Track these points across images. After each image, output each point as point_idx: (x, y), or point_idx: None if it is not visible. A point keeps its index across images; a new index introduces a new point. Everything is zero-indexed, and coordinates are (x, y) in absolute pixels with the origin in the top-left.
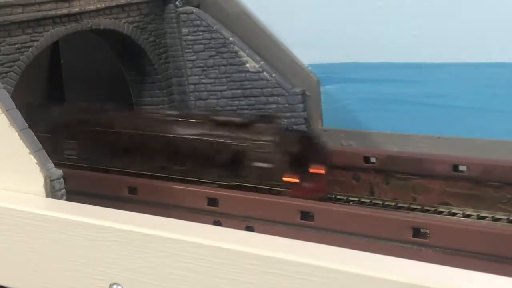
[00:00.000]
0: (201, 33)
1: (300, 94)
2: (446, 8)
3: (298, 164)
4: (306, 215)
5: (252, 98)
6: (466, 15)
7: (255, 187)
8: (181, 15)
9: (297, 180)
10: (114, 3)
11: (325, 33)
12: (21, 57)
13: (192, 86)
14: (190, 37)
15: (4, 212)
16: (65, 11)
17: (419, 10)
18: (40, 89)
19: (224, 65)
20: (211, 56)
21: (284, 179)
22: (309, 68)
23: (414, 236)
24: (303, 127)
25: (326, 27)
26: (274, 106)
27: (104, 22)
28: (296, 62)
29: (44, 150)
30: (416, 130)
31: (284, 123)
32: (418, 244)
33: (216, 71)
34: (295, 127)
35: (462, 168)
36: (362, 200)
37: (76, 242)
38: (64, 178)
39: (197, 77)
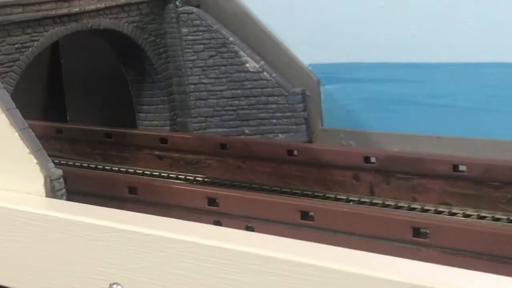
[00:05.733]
0: (201, 33)
1: (300, 94)
2: (445, 8)
3: None
4: (306, 215)
5: (252, 98)
6: (466, 15)
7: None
8: (181, 15)
9: None
10: (114, 3)
11: (325, 33)
12: (21, 57)
13: (192, 86)
14: (190, 37)
15: (4, 212)
16: (65, 11)
17: (419, 10)
18: (40, 89)
19: (224, 65)
20: (211, 56)
21: None
22: (309, 68)
23: (414, 236)
24: (303, 127)
25: (326, 27)
26: (274, 106)
27: (104, 22)
28: (296, 62)
29: (44, 150)
30: (416, 130)
31: (284, 123)
32: (418, 244)
33: (216, 71)
34: (295, 127)
35: (462, 168)
36: (362, 200)
37: (76, 242)
38: (64, 178)
39: (197, 77)
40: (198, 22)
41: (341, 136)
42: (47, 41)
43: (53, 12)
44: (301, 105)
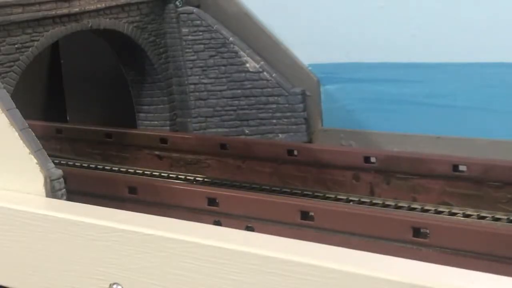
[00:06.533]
0: (201, 33)
1: (300, 94)
2: (446, 8)
3: None
4: (306, 215)
5: (252, 98)
6: (466, 15)
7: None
8: (181, 15)
9: None
10: (114, 3)
11: (325, 33)
12: (21, 57)
13: (192, 86)
14: (190, 37)
15: (4, 212)
16: (65, 11)
17: (419, 10)
18: (40, 89)
19: (224, 65)
20: (211, 56)
21: None
22: (309, 68)
23: (414, 236)
24: (303, 127)
25: (326, 27)
26: (274, 106)
27: (104, 22)
28: (296, 62)
29: (44, 150)
30: (416, 130)
31: (284, 123)
32: (418, 244)
33: (216, 71)
34: (295, 127)
35: (462, 168)
36: (362, 200)
37: (76, 242)
38: (64, 178)
39: (197, 77)
40: (198, 22)
41: (341, 136)
42: (47, 41)
43: (53, 12)
44: (301, 105)
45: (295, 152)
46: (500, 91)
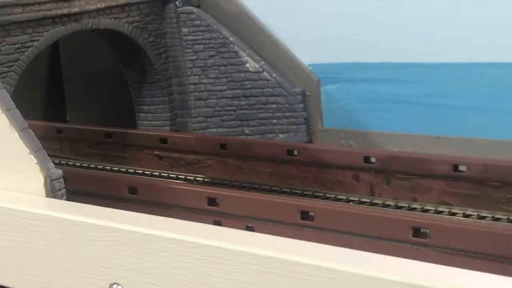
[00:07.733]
0: (201, 33)
1: (300, 94)
2: (446, 8)
3: None
4: (306, 215)
5: (252, 98)
6: (466, 15)
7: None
8: (181, 15)
9: None
10: (114, 3)
11: (325, 33)
12: (21, 57)
13: (192, 86)
14: (190, 37)
15: (4, 212)
16: (65, 11)
17: (419, 10)
18: (40, 89)
19: (224, 65)
20: (211, 56)
21: None
22: (309, 68)
23: (414, 236)
24: (303, 127)
25: (326, 27)
26: (274, 106)
27: (104, 22)
28: (296, 62)
29: (44, 150)
30: (416, 130)
31: (284, 123)
32: (418, 244)
33: (216, 71)
34: (295, 127)
35: (462, 168)
36: (362, 200)
37: (76, 242)
38: (64, 178)
39: (197, 77)
40: (198, 22)
41: (341, 136)
42: (47, 41)
43: (53, 12)
44: (301, 105)
45: (295, 152)
46: (500, 91)
